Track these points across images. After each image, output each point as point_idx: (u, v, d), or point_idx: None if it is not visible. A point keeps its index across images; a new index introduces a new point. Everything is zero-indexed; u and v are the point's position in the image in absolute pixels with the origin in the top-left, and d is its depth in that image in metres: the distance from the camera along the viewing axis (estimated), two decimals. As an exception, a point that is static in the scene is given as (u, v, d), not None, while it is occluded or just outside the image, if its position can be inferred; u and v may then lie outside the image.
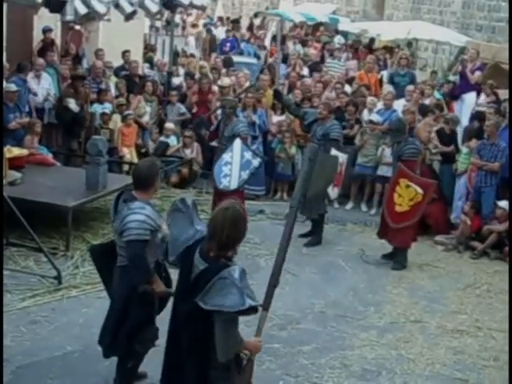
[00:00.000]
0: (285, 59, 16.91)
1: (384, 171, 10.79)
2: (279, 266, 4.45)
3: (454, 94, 14.04)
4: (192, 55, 18.26)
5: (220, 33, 23.77)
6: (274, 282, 4.44)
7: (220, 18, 28.01)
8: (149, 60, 16.32)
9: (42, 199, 8.50)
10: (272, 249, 8.79)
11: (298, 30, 24.07)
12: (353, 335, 7.01)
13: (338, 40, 21.63)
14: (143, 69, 14.34)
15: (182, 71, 15.18)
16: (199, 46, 23.43)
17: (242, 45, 21.21)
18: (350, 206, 11.37)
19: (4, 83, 10.21)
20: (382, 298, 8.00)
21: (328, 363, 6.41)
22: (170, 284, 5.37)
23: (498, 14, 18.54)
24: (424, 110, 11.63)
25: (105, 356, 5.46)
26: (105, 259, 5.48)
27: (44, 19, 13.02)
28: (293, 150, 11.56)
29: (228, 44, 20.95)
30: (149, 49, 18.22)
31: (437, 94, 13.42)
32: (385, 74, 15.24)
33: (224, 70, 14.39)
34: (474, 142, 10.40)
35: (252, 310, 4.13)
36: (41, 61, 11.76)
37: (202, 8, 15.44)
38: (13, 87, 10.39)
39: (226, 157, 9.14)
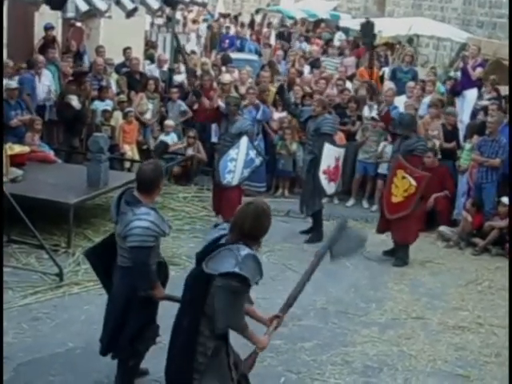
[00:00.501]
0: (286, 56, 16.91)
1: (385, 169, 10.76)
2: (297, 293, 4.94)
3: (455, 91, 14.02)
4: (193, 52, 18.23)
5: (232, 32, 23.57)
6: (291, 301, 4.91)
7: (222, 15, 27.92)
8: (150, 57, 16.29)
9: (44, 196, 8.50)
10: (273, 245, 8.84)
11: (298, 27, 24.05)
12: (354, 332, 7.01)
13: (339, 36, 21.62)
14: (144, 66, 14.32)
15: (183, 68, 15.14)
16: (199, 43, 23.39)
17: (241, 41, 21.13)
18: (351, 202, 11.38)
19: (4, 80, 10.20)
20: (383, 295, 7.99)
21: (329, 360, 6.41)
22: (166, 281, 5.40)
23: (499, 10, 18.55)
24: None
25: (101, 353, 5.46)
26: (102, 260, 5.43)
27: (45, 16, 13.02)
28: (294, 147, 11.55)
29: (227, 40, 20.90)
30: (150, 46, 18.19)
31: (441, 87, 13.37)
32: (386, 70, 15.22)
33: (223, 67, 14.38)
34: (476, 139, 10.39)
35: (243, 284, 4.23)
36: (41, 58, 11.75)
37: (203, 4, 15.43)
38: (13, 84, 10.38)
39: (232, 153, 9.18)
